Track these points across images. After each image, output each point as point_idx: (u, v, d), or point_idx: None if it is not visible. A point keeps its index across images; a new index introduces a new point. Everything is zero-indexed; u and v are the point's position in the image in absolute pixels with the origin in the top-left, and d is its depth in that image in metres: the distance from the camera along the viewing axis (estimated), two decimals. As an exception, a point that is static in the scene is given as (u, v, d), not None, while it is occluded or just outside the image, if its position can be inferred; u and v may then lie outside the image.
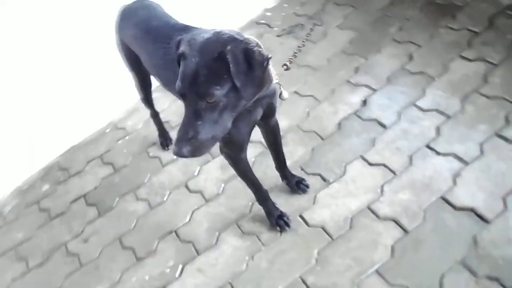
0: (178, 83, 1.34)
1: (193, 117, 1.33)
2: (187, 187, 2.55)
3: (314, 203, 2.19)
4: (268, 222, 2.17)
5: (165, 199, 2.55)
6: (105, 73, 3.53)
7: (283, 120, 2.51)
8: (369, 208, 2.06)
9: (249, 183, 2.03)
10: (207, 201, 2.43)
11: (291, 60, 1.88)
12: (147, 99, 2.61)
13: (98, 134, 3.19)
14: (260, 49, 1.38)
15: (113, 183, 2.79)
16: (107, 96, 3.42)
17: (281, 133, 2.10)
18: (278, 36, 3.32)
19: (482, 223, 1.83)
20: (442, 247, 1.82)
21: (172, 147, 1.36)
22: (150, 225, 2.45)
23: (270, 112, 1.82)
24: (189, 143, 1.35)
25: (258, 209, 2.21)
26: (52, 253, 2.51)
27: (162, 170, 2.73)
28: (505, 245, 1.74)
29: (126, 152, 2.96)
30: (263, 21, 3.53)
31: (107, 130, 3.19)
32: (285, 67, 1.83)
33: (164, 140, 2.83)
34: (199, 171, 2.61)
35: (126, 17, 2.12)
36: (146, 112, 2.82)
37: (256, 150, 2.52)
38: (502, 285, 1.65)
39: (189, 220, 2.38)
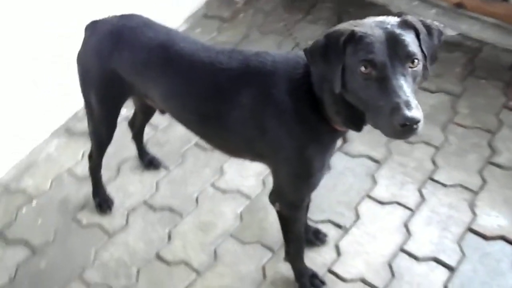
0: (373, 56, 1.29)
1: (404, 84, 1.28)
2: (160, 258, 2.24)
3: (339, 254, 2.20)
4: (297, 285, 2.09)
5: (133, 280, 2.17)
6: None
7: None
8: (403, 250, 2.20)
9: (298, 238, 1.94)
10: (199, 274, 2.18)
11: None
12: (105, 148, 2.21)
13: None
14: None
15: (39, 270, 2.23)
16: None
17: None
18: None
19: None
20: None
21: (399, 113, 1.19)
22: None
23: None
24: (419, 110, 1.26)
25: (274, 271, 2.12)
26: None
27: (111, 241, 2.33)
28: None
29: (42, 224, 2.41)
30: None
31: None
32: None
33: (104, 201, 2.43)
34: (169, 235, 2.33)
35: (123, 40, 1.80)
36: (49, 166, 2.43)
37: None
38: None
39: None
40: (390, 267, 2.14)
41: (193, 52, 1.70)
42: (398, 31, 1.35)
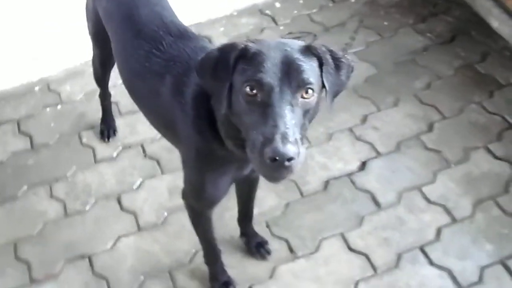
0: (261, 76, 1.18)
1: (288, 114, 1.16)
2: (119, 201, 2.38)
3: (271, 276, 2.10)
4: (209, 284, 2.06)
5: (87, 208, 2.36)
6: (47, 11, 3.20)
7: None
8: (336, 306, 2.00)
9: (205, 243, 1.94)
10: (140, 229, 2.28)
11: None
12: (103, 79, 2.41)
13: (23, 90, 2.90)
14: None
15: (25, 164, 2.54)
16: (44, 43, 3.11)
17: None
18: (281, 38, 3.16)
19: None
20: None
21: (270, 146, 1.10)
22: (60, 238, 2.26)
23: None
24: (295, 146, 1.14)
25: (202, 262, 2.09)
26: None
27: (93, 167, 2.53)
28: None
29: (53, 127, 2.71)
30: (268, 12, 3.36)
31: (36, 88, 2.91)
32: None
33: (107, 129, 2.62)
34: (139, 185, 2.44)
35: None
36: (92, 81, 2.55)
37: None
38: None
39: (111, 247, 2.22)
40: (310, 316, 1.98)
41: (146, 22, 1.72)
42: (296, 55, 1.23)
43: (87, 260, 2.18)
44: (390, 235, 2.21)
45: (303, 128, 1.23)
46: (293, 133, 1.15)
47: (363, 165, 2.47)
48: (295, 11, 3.36)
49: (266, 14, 3.35)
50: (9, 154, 2.59)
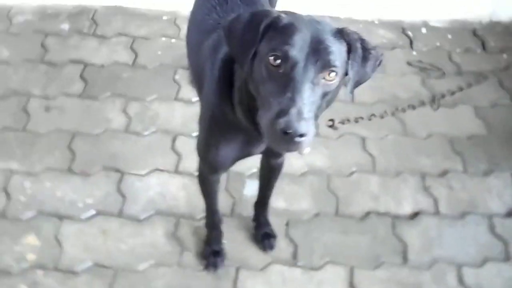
0: (288, 48, 1.17)
1: (307, 91, 1.16)
2: (173, 140, 2.52)
3: (262, 269, 2.08)
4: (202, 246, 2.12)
5: (145, 133, 2.55)
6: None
7: (322, 158, 2.41)
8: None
9: (206, 206, 1.98)
10: (177, 171, 2.39)
11: (349, 121, 1.69)
12: None
13: (153, 14, 3.22)
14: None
15: (120, 75, 2.83)
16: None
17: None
18: (408, 63, 3.02)
19: None
20: None
21: (285, 118, 1.10)
22: (109, 146, 2.48)
23: (273, 153, 1.69)
24: (308, 124, 1.13)
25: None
26: None
27: (170, 102, 2.71)
28: None
29: (159, 55, 2.96)
30: (410, 33, 3.22)
31: (164, 17, 3.18)
32: (330, 123, 1.64)
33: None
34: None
35: None
36: None
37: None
38: None
39: (144, 174, 2.37)
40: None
41: None
42: (327, 35, 1.21)
43: (119, 174, 2.35)
44: (399, 294, 2.03)
45: (319, 109, 1.21)
46: (309, 110, 1.14)
47: (414, 215, 2.29)
48: (438, 43, 3.17)
49: (406, 35, 3.22)
50: (112, 61, 2.87)
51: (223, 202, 2.13)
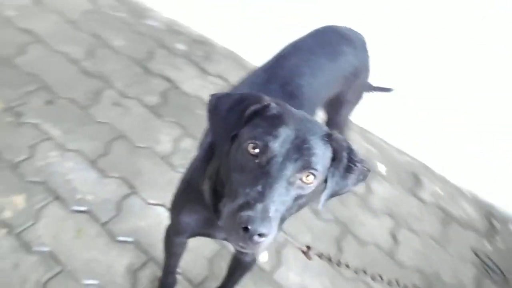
0: (270, 139, 1.12)
1: (280, 189, 1.09)
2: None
3: None
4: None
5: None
6: None
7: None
8: None
9: (164, 264, 1.92)
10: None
11: (330, 260, 1.53)
12: None
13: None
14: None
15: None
16: None
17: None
18: (474, 251, 2.71)
19: None
20: None
21: (248, 212, 1.03)
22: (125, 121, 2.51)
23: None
24: (272, 224, 1.05)
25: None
26: None
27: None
28: None
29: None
30: (495, 222, 2.90)
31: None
32: (305, 249, 1.50)
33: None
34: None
35: None
36: None
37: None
38: None
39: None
40: None
41: (286, 67, 1.77)
42: (314, 136, 1.15)
43: (129, 191, 2.40)
44: None
45: (287, 211, 1.12)
46: (276, 210, 1.07)
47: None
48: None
49: (491, 223, 2.90)
50: (196, 94, 2.99)
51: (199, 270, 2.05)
